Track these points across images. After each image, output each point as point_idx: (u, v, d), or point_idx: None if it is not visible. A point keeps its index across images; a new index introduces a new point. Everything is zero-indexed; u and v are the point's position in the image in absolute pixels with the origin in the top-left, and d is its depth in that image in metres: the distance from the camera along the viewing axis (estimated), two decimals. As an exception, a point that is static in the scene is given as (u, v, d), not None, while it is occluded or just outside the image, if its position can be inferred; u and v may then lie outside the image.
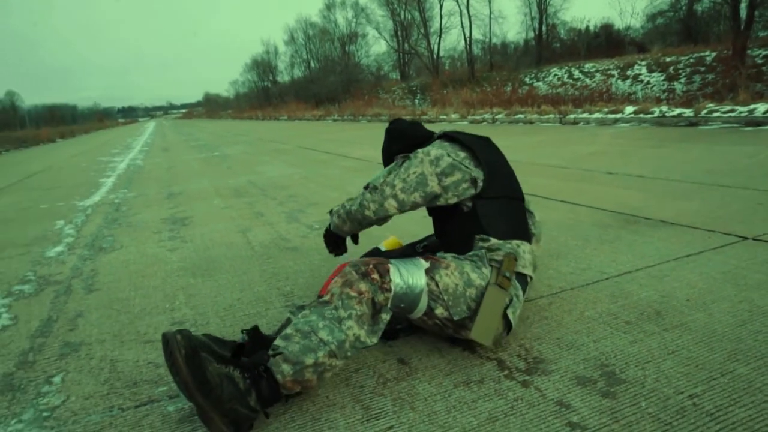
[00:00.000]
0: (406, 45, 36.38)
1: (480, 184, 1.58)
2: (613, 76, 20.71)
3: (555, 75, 24.37)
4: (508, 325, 1.52)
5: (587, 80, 21.33)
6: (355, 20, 40.70)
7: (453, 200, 1.59)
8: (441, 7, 32.07)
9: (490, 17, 31.17)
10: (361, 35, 40.70)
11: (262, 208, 3.97)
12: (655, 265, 2.10)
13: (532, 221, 1.85)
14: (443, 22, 32.43)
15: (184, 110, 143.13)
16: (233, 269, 2.54)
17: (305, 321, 1.33)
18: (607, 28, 31.34)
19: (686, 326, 1.57)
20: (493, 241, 1.57)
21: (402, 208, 1.62)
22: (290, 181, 5.25)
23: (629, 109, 9.36)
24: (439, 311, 1.47)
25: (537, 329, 1.65)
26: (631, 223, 2.73)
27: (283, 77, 50.96)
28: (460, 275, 1.49)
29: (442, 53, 33.71)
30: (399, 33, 36.39)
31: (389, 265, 1.46)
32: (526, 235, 1.68)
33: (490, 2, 31.05)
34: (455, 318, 1.46)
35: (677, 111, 8.31)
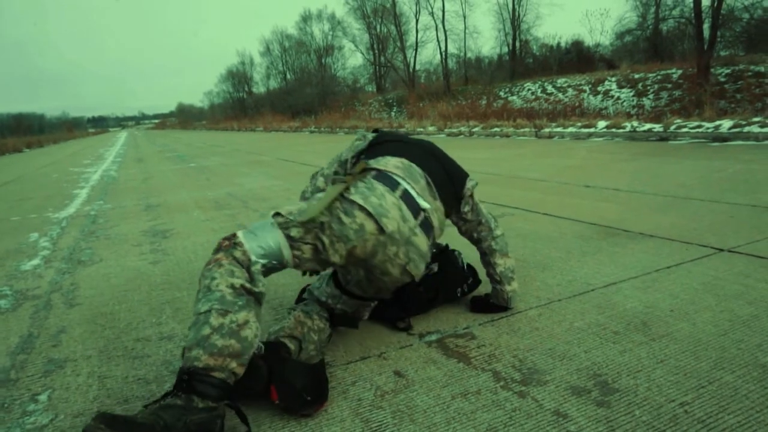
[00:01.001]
0: (382, 58, 36.66)
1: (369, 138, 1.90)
2: (584, 91, 21.22)
3: (529, 89, 24.85)
4: (369, 216, 1.47)
5: (560, 95, 21.81)
6: (331, 33, 40.86)
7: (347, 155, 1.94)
8: (417, 21, 32.43)
9: (465, 32, 31.72)
10: (337, 48, 40.86)
11: (245, 221, 3.94)
12: (638, 276, 2.16)
13: (491, 236, 1.90)
14: (419, 36, 32.84)
15: (156, 120, 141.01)
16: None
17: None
18: (577, 45, 32.15)
19: (672, 336, 1.62)
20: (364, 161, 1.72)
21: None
22: (271, 192, 5.23)
23: (602, 124, 9.61)
24: (305, 250, 1.46)
25: (529, 340, 1.68)
26: (611, 235, 2.81)
27: (259, 88, 50.71)
28: (304, 201, 1.63)
29: (418, 66, 34.07)
30: (375, 46, 36.66)
31: (238, 232, 1.47)
32: (399, 155, 1.75)
33: (465, 18, 31.62)
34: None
35: (647, 126, 8.57)
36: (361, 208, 1.47)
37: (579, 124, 10.06)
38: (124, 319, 2.15)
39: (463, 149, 8.56)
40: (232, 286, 1.31)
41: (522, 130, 10.58)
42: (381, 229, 1.48)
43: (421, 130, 13.86)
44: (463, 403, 1.36)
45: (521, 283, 2.18)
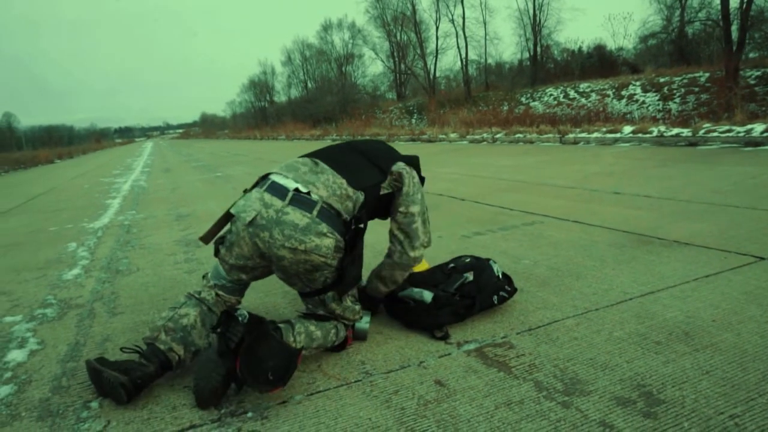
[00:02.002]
0: (402, 65, 36.83)
1: None
2: (608, 96, 20.99)
3: (551, 95, 24.67)
4: (239, 220, 1.68)
5: (583, 100, 21.59)
6: (351, 41, 41.24)
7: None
8: (437, 28, 32.55)
9: (485, 39, 31.70)
10: (357, 56, 41.21)
11: (275, 230, 4.00)
12: (676, 285, 2.14)
13: (401, 247, 1.89)
14: (439, 43, 32.87)
15: (180, 130, 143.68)
16: (254, 291, 2.56)
17: None
18: (600, 49, 31.82)
19: (716, 347, 1.61)
20: None
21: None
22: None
23: (627, 129, 9.48)
24: (227, 261, 1.82)
25: (568, 350, 1.68)
26: (645, 243, 2.78)
27: (280, 97, 51.35)
28: None
29: (438, 73, 34.13)
30: (395, 54, 36.87)
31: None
32: (306, 156, 1.90)
33: (485, 24, 31.51)
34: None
35: (675, 131, 8.43)
36: (230, 213, 1.71)
37: (604, 129, 9.94)
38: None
39: (487, 156, 8.54)
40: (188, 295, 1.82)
41: (546, 136, 10.50)
42: (243, 223, 1.64)
43: (443, 137, 13.86)
44: (507, 413, 1.36)
45: (557, 293, 2.18)
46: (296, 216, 1.62)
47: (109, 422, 1.51)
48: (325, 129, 27.32)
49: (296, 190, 1.66)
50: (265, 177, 1.77)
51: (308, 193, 1.66)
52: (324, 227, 1.62)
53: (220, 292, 1.82)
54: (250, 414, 1.48)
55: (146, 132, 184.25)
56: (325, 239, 1.62)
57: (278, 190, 1.66)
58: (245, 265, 1.75)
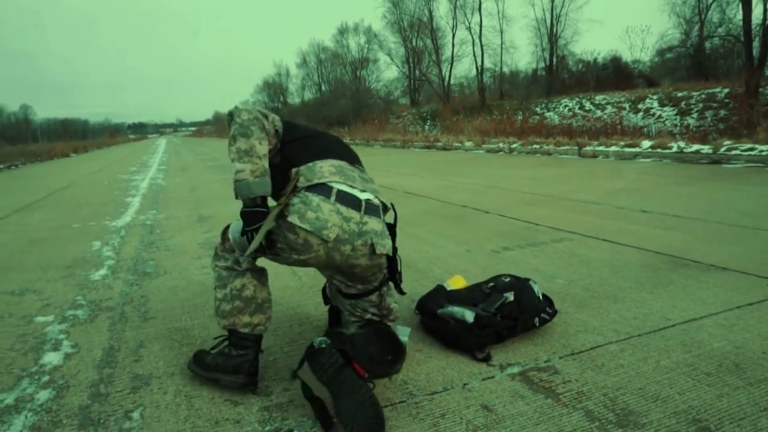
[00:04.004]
0: (417, 71, 36.83)
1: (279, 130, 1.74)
2: (624, 108, 20.86)
3: (566, 105, 24.55)
4: (309, 233, 1.56)
5: (599, 112, 21.47)
6: (367, 46, 41.28)
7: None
8: (453, 36, 32.50)
9: (501, 47, 31.60)
10: (372, 60, 41.24)
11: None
12: (719, 312, 2.10)
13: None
14: (455, 50, 32.83)
15: (193, 128, 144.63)
16: (285, 301, 2.55)
17: None
18: (615, 61, 31.67)
19: (771, 381, 1.57)
20: (294, 169, 1.69)
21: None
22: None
23: (646, 144, 9.42)
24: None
25: (616, 378, 1.65)
26: (680, 266, 2.74)
27: (294, 99, 51.47)
28: None
29: (452, 80, 34.10)
30: (411, 59, 36.87)
31: (229, 226, 1.80)
32: (331, 155, 1.77)
33: (501, 33, 31.40)
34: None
35: (695, 147, 8.35)
36: (300, 228, 1.56)
37: (622, 143, 9.87)
38: (198, 335, 2.19)
39: (506, 167, 8.50)
40: (225, 268, 1.76)
41: (563, 147, 10.45)
42: (325, 240, 1.57)
43: (459, 144, 13.82)
44: (562, 444, 1.34)
45: (596, 315, 2.15)
46: (374, 223, 1.65)
47: (152, 434, 1.50)
48: (339, 132, 27.37)
49: (366, 200, 1.65)
50: (319, 186, 1.62)
51: (372, 200, 1.69)
52: (386, 228, 1.71)
53: (244, 259, 1.75)
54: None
55: (159, 129, 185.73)
56: (388, 239, 1.70)
57: (351, 201, 1.62)
58: (294, 264, 1.71)
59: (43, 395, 1.75)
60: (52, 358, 2.05)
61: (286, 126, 1.78)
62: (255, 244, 1.57)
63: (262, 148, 1.63)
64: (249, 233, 1.60)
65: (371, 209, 1.66)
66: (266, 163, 1.63)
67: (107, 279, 3.13)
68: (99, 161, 19.14)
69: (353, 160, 1.84)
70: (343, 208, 1.59)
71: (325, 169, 1.68)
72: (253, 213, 1.59)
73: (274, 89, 54.21)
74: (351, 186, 1.66)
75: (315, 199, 1.59)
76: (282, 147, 1.75)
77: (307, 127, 1.90)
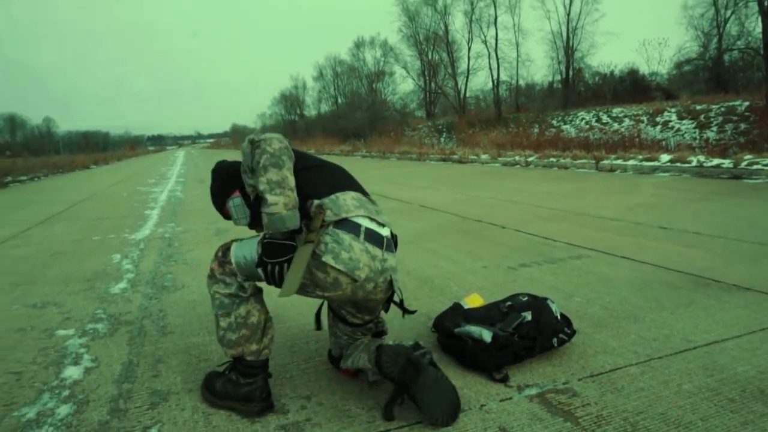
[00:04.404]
0: (432, 84, 36.98)
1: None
2: (642, 121, 20.68)
3: (582, 118, 24.42)
4: (340, 272, 1.55)
5: (616, 125, 21.31)
6: (383, 59, 41.62)
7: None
8: (469, 49, 32.63)
9: (517, 60, 31.61)
10: (388, 73, 41.53)
11: (315, 251, 4.00)
12: (743, 335, 2.06)
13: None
14: (471, 63, 32.93)
15: (211, 140, 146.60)
16: (302, 316, 2.55)
17: None
18: (633, 74, 31.47)
19: (797, 408, 1.53)
20: (315, 202, 1.62)
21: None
22: (335, 221, 5.30)
23: (665, 158, 9.31)
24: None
25: (636, 402, 1.62)
26: (702, 285, 2.69)
27: (310, 111, 51.99)
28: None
29: (468, 93, 34.15)
30: (426, 72, 37.06)
31: (231, 242, 1.76)
32: (348, 187, 1.74)
33: (517, 46, 31.43)
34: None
35: (716, 161, 8.24)
36: (333, 268, 1.55)
37: (640, 156, 9.77)
38: (216, 351, 2.20)
39: (522, 180, 8.46)
40: (228, 295, 1.69)
41: (580, 161, 10.38)
42: (355, 280, 1.56)
43: (475, 157, 13.81)
44: (581, 471, 1.32)
45: (615, 336, 2.12)
46: (392, 260, 1.67)
47: (170, 452, 1.50)
48: (355, 145, 27.52)
49: (385, 237, 1.66)
50: (347, 222, 1.59)
51: (389, 237, 1.69)
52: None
53: (247, 283, 1.72)
54: (312, 453, 1.46)
55: (178, 140, 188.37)
56: (397, 272, 1.71)
57: (376, 239, 1.62)
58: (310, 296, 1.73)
59: (64, 410, 1.78)
60: (72, 372, 2.07)
61: (295, 154, 1.74)
62: (293, 285, 1.48)
63: (293, 179, 1.59)
64: (270, 266, 1.56)
65: (389, 245, 1.68)
66: (296, 195, 1.58)
67: (126, 292, 3.17)
68: (119, 173, 19.46)
69: (364, 192, 1.83)
70: (370, 247, 1.59)
71: (349, 203, 1.65)
72: (281, 246, 1.56)
73: (290, 102, 54.83)
74: (374, 220, 1.65)
75: (347, 238, 1.56)
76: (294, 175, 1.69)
77: (313, 156, 1.88)
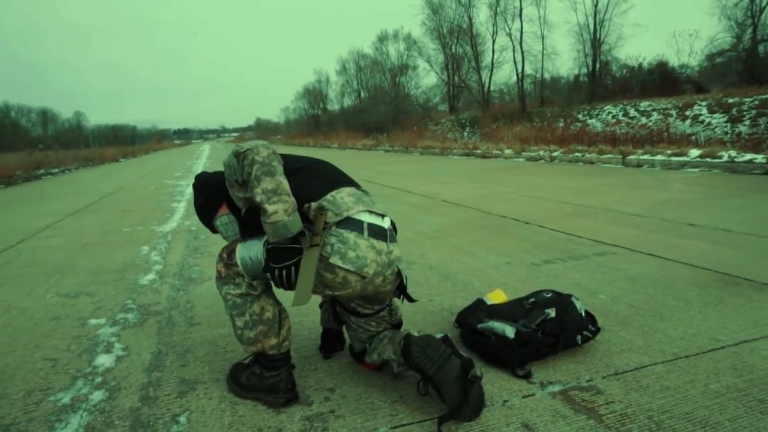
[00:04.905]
0: (456, 78, 36.72)
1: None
2: (671, 115, 20.21)
3: (609, 112, 23.97)
4: (349, 271, 1.55)
5: (644, 119, 20.87)
6: (406, 53, 41.49)
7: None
8: (494, 42, 32.29)
9: (542, 53, 31.16)
10: (411, 67, 41.40)
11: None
12: (773, 335, 2.02)
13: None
14: (495, 57, 32.59)
15: (235, 134, 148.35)
16: (325, 310, 2.58)
17: None
18: (662, 66, 30.74)
19: (829, 411, 1.50)
20: (313, 204, 1.61)
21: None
22: (358, 216, 5.33)
23: (694, 152, 9.10)
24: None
25: (661, 400, 1.61)
26: (731, 284, 2.64)
27: (333, 105, 52.19)
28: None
29: (492, 87, 33.83)
30: (450, 66, 36.81)
31: (236, 243, 1.75)
32: (340, 183, 1.72)
33: (543, 39, 30.97)
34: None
35: (747, 156, 8.02)
36: (341, 268, 1.55)
37: (669, 151, 9.57)
38: (242, 342, 2.25)
39: (546, 176, 8.37)
40: (240, 295, 1.71)
41: (606, 156, 10.21)
42: (363, 276, 1.57)
43: (498, 152, 13.69)
44: (605, 468, 1.31)
45: (641, 334, 2.09)
46: (396, 250, 1.68)
47: (198, 439, 1.55)
48: (377, 139, 27.52)
49: (387, 229, 1.67)
50: (350, 220, 1.59)
51: (390, 227, 1.70)
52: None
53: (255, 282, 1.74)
54: (336, 443, 1.49)
55: (203, 134, 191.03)
56: (402, 260, 1.73)
57: (380, 233, 1.63)
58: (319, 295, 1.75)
59: (97, 396, 1.84)
60: (104, 360, 2.14)
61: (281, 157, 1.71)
62: (305, 292, 1.47)
63: (287, 183, 1.56)
64: (278, 270, 1.55)
65: (392, 236, 1.68)
66: (294, 199, 1.56)
67: (155, 284, 3.25)
68: (146, 166, 19.84)
69: (357, 185, 1.80)
70: (375, 242, 1.60)
71: (347, 200, 1.64)
72: (286, 250, 1.55)
73: (314, 96, 55.08)
74: (373, 213, 1.65)
75: (351, 236, 1.56)
76: None
77: (298, 156, 1.84)
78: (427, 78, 59.73)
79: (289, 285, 1.56)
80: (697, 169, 8.01)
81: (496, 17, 31.55)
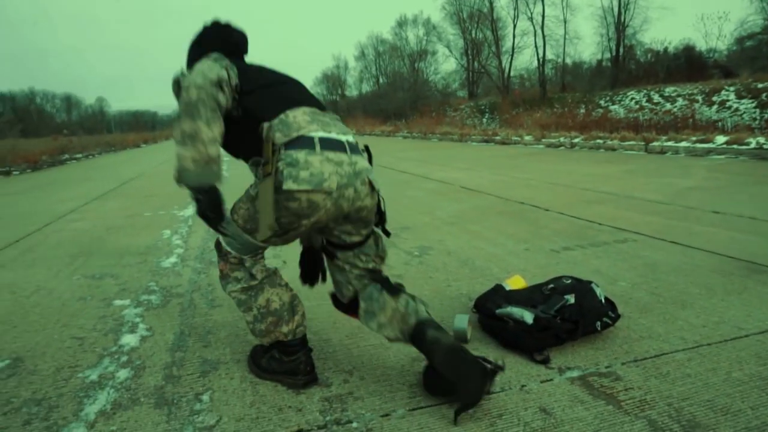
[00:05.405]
0: (476, 63, 36.27)
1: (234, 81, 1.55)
2: (697, 101, 19.73)
3: (632, 98, 23.49)
4: (309, 191, 1.46)
5: (668, 105, 20.41)
6: (425, 38, 41.08)
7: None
8: (514, 26, 31.77)
9: (564, 38, 30.57)
10: (431, 53, 41.00)
11: (357, 230, 4.06)
12: (799, 324, 1.98)
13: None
14: (516, 41, 32.08)
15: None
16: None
17: None
18: (688, 50, 29.95)
19: None
20: (265, 125, 1.52)
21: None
22: (376, 201, 5.33)
23: (720, 139, 8.89)
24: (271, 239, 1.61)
25: (682, 387, 1.60)
26: (755, 272, 2.59)
27: (351, 91, 52.05)
28: (247, 200, 1.63)
29: (512, 72, 33.36)
30: (469, 51, 36.35)
31: (218, 238, 1.75)
32: (300, 102, 1.62)
33: (565, 23, 30.34)
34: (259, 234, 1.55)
35: (777, 143, 7.82)
36: (300, 191, 1.46)
37: (693, 138, 9.36)
38: (262, 324, 2.28)
39: (566, 162, 8.26)
40: (242, 290, 1.71)
41: (628, 143, 10.03)
42: (328, 192, 1.49)
43: (518, 138, 13.55)
44: (623, 453, 1.31)
45: (662, 321, 2.07)
46: (362, 161, 1.59)
47: (221, 417, 1.59)
48: (396, 125, 27.42)
49: (346, 142, 1.58)
50: (299, 139, 1.50)
51: (351, 140, 1.62)
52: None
53: (258, 265, 1.72)
54: (354, 424, 1.51)
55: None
56: (373, 172, 1.66)
57: (336, 145, 1.53)
58: (301, 234, 1.70)
59: (123, 374, 1.89)
60: (129, 340, 2.20)
61: (242, 72, 1.59)
62: (266, 223, 1.45)
63: (210, 131, 1.45)
64: (214, 221, 1.53)
65: (354, 149, 1.60)
66: (213, 150, 1.45)
67: (177, 266, 3.31)
68: (166, 152, 20.06)
69: (322, 107, 1.70)
70: (331, 154, 1.50)
71: (300, 119, 1.54)
72: (204, 202, 1.48)
73: (332, 81, 54.90)
74: (326, 131, 1.55)
75: (300, 155, 1.47)
76: (241, 98, 1.56)
77: (271, 73, 1.73)
78: (446, 63, 59.14)
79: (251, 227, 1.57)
80: (723, 156, 7.84)
81: (518, 1, 31.00)
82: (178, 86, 1.55)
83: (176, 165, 1.46)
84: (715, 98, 19.59)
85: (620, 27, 29.65)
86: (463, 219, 4.27)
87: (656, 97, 22.46)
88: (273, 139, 1.49)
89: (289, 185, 1.44)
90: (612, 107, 22.89)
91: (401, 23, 42.04)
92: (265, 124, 1.52)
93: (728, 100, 18.94)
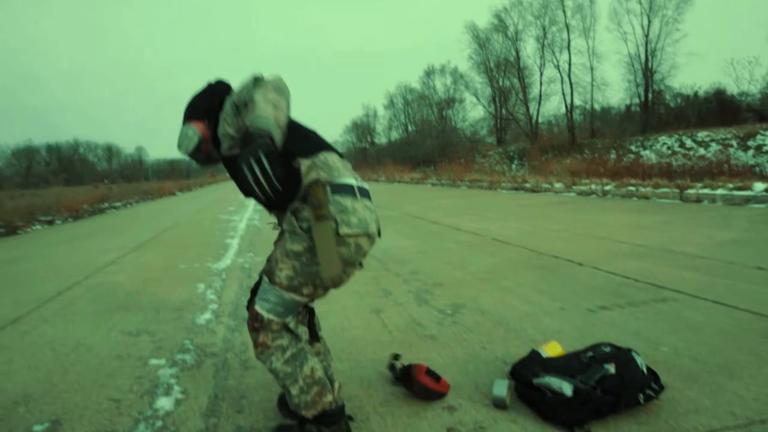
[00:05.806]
0: (503, 110, 36.67)
1: None
2: (731, 146, 19.40)
3: (664, 143, 23.26)
4: (359, 235, 1.61)
5: (701, 150, 20.12)
6: (453, 86, 41.92)
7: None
8: (541, 74, 32.22)
9: (592, 84, 30.77)
10: (458, 101, 41.72)
11: (388, 285, 4.06)
12: None
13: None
14: (543, 89, 32.44)
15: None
16: (377, 357, 2.58)
17: None
18: (719, 94, 29.69)
19: None
20: (304, 163, 1.60)
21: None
22: (407, 254, 5.34)
23: (759, 186, 8.66)
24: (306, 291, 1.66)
25: (735, 471, 1.51)
26: (808, 337, 2.47)
27: (380, 139, 53.04)
28: (287, 258, 1.62)
29: (540, 118, 33.56)
30: (497, 99, 36.86)
31: (256, 307, 1.70)
32: (327, 147, 1.73)
33: (592, 70, 30.61)
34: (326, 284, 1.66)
35: (820, 191, 7.57)
36: (351, 236, 1.58)
37: (731, 185, 9.14)
38: (295, 388, 2.28)
39: (599, 212, 8.15)
40: (287, 361, 1.68)
41: (662, 190, 9.85)
42: (370, 236, 1.65)
43: (548, 186, 13.47)
44: None
45: (708, 393, 1.98)
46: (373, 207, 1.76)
47: (254, 492, 1.57)
48: (425, 172, 27.67)
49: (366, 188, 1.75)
50: (342, 186, 1.61)
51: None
52: None
53: (299, 329, 1.75)
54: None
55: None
56: None
57: (366, 193, 1.71)
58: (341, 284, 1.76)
59: (158, 441, 1.90)
60: (164, 403, 2.21)
61: None
62: (333, 261, 1.51)
63: (287, 110, 1.53)
64: (258, 172, 1.33)
65: (369, 195, 1.75)
66: (284, 120, 1.49)
67: (211, 324, 3.35)
68: (201, 200, 20.64)
69: (339, 152, 1.80)
70: (367, 202, 1.68)
71: (338, 163, 1.68)
72: (262, 145, 1.36)
73: (362, 130, 56.14)
74: (355, 179, 1.71)
75: (347, 202, 1.61)
76: None
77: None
78: (473, 111, 59.88)
79: (272, 190, 1.36)
80: (763, 205, 7.62)
81: (544, 50, 31.59)
82: (255, 80, 1.62)
83: (254, 112, 1.44)
84: (750, 143, 19.24)
85: (648, 73, 29.75)
86: (496, 274, 4.23)
87: (689, 142, 22.18)
88: (320, 177, 1.58)
89: (344, 230, 1.56)
90: (643, 152, 22.67)
91: (429, 73, 43.12)
92: (305, 161, 1.60)
93: (765, 145, 18.57)
